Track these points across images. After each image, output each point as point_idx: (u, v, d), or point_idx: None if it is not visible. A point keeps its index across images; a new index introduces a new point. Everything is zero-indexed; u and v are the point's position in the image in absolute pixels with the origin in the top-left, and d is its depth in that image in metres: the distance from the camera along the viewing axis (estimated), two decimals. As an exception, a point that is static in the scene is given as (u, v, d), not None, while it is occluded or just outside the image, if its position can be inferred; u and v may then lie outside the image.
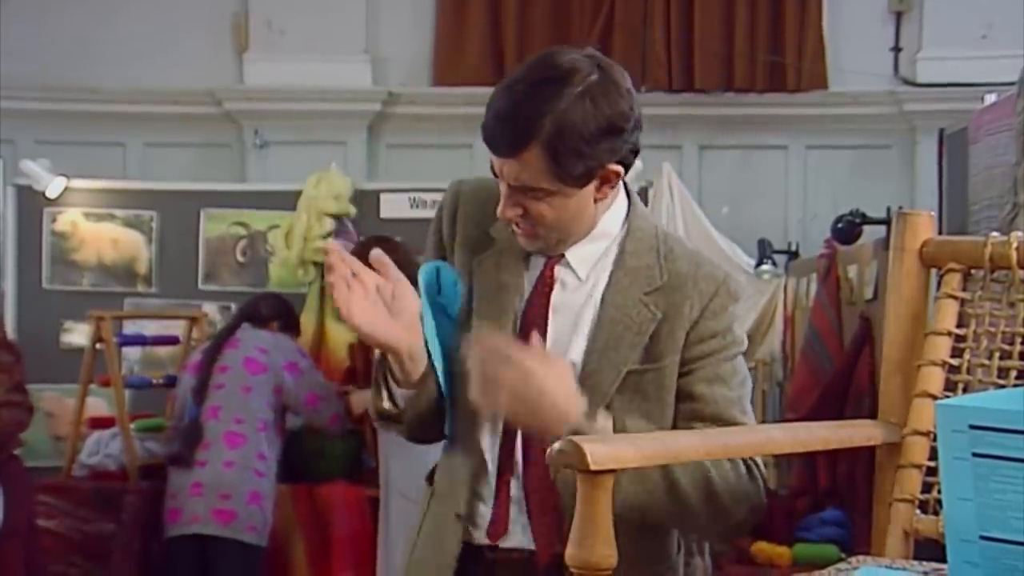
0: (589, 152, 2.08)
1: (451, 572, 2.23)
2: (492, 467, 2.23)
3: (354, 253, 2.16)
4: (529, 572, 2.21)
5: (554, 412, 2.00)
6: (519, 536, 2.22)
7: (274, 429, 5.28)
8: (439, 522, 2.28)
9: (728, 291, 2.22)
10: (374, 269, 2.13)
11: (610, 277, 2.21)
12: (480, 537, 2.24)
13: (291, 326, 5.56)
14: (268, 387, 5.23)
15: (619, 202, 2.26)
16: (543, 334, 2.19)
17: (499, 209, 2.17)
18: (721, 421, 2.16)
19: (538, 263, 2.26)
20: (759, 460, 2.18)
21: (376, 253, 2.13)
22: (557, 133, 2.05)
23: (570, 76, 2.07)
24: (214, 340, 5.39)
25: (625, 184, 2.27)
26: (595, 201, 2.18)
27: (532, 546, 2.20)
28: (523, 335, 2.16)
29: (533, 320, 2.21)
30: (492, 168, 2.17)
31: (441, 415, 2.23)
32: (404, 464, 4.51)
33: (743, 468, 2.14)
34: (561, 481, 2.11)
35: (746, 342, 2.26)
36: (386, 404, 2.23)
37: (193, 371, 5.29)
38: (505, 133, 2.09)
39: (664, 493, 2.08)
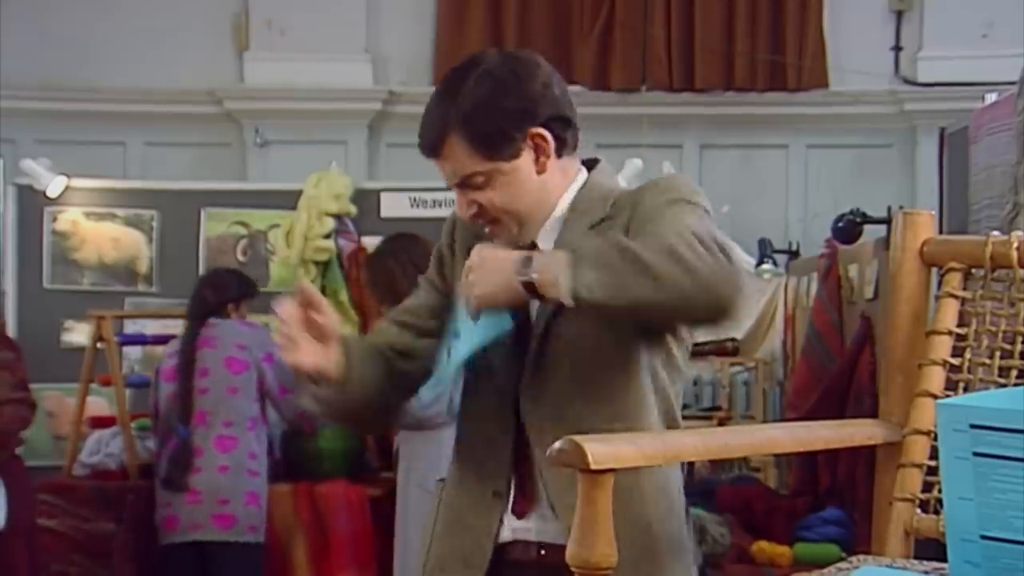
0: (503, 121, 2.19)
1: (490, 550, 2.26)
2: (508, 452, 2.25)
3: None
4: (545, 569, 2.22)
5: (503, 264, 2.07)
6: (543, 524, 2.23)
7: (260, 423, 5.25)
8: (464, 508, 2.30)
9: (657, 184, 2.24)
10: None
11: (561, 230, 2.25)
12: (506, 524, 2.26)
13: (245, 292, 5.41)
14: (251, 383, 5.18)
15: (577, 182, 2.30)
16: (528, 315, 2.23)
17: (458, 212, 2.28)
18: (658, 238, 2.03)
19: None
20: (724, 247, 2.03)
21: (303, 287, 2.27)
22: (465, 116, 2.18)
23: (470, 67, 2.23)
24: (183, 346, 5.22)
25: (588, 164, 2.33)
26: (539, 174, 2.23)
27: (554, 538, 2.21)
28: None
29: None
30: None
31: (374, 413, 2.39)
32: (423, 456, 4.48)
33: (701, 246, 1.98)
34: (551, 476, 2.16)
35: (701, 200, 2.17)
36: (306, 402, 2.35)
37: (169, 378, 5.20)
38: (425, 137, 2.24)
39: (627, 264, 1.95)
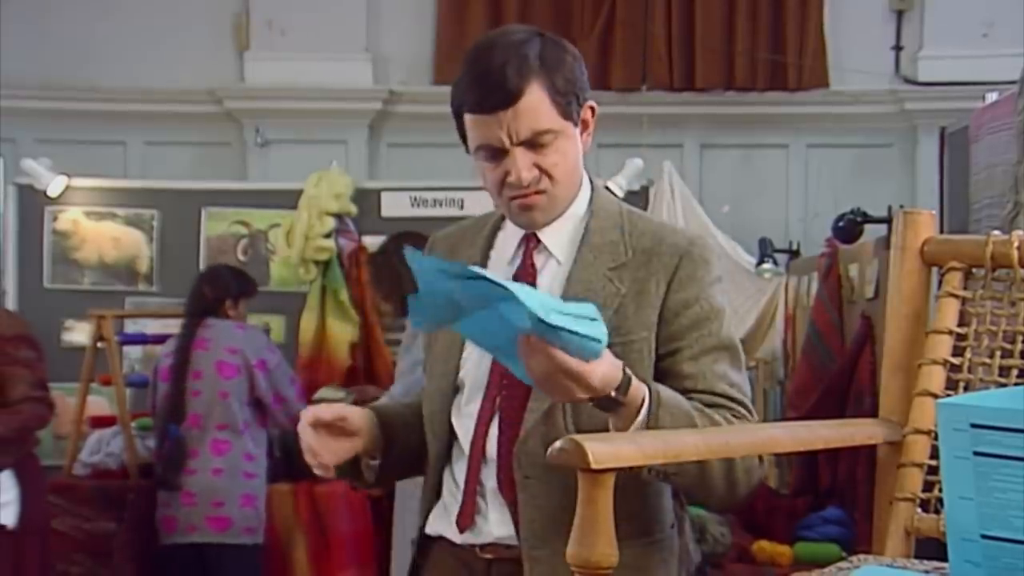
0: (573, 81, 2.17)
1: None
2: (463, 460, 2.24)
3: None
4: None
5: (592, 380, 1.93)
6: (493, 528, 2.21)
7: (256, 424, 5.25)
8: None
9: (693, 259, 2.18)
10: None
11: (576, 255, 2.22)
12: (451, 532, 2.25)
13: (244, 290, 5.43)
14: (243, 387, 5.19)
15: (584, 187, 2.28)
16: None
17: (513, 176, 2.15)
18: (711, 394, 2.14)
19: (510, 260, 2.27)
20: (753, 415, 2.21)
21: (319, 414, 2.20)
22: (546, 67, 2.13)
23: (529, 33, 2.18)
24: (179, 345, 5.25)
25: (588, 173, 2.30)
26: (583, 153, 2.24)
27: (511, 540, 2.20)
28: None
29: None
30: (482, 150, 2.17)
31: (414, 459, 2.33)
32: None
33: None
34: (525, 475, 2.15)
35: (726, 307, 2.21)
36: (358, 484, 2.37)
37: (164, 379, 5.24)
38: (501, 82, 2.10)
39: (693, 464, 2.04)
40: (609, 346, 1.94)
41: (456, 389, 2.25)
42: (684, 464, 2.01)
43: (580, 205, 2.26)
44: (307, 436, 2.18)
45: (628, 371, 1.98)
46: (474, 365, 2.24)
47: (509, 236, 2.30)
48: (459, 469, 2.24)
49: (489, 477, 2.20)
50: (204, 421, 5.14)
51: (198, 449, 5.13)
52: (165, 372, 5.24)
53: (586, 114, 2.22)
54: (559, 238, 2.24)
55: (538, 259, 2.25)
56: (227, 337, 5.23)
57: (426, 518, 2.30)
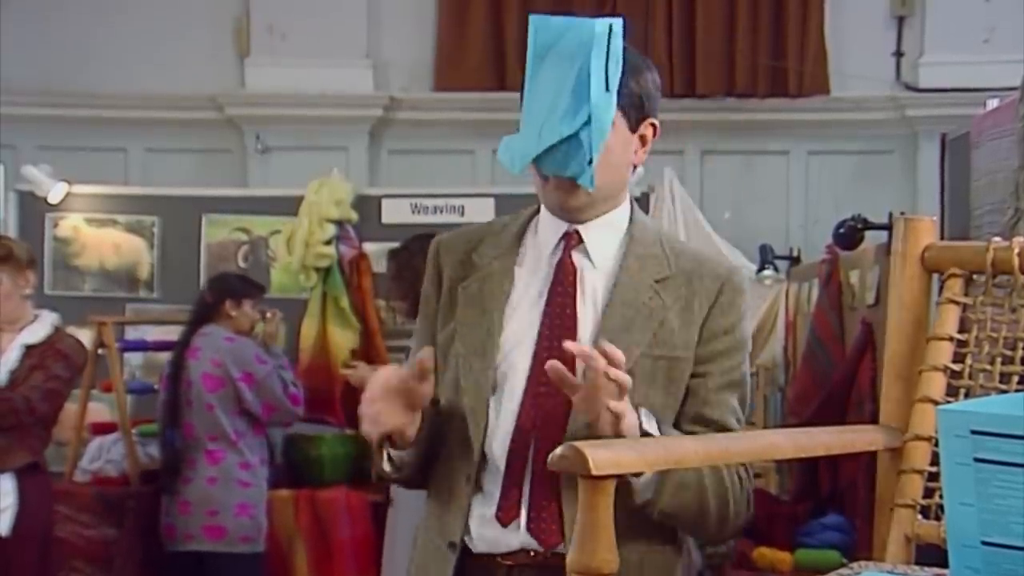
0: (644, 93, 2.20)
1: None
2: (501, 464, 2.21)
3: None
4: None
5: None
6: (521, 534, 2.21)
7: (252, 433, 5.25)
8: (429, 554, 2.30)
9: (733, 286, 2.25)
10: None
11: (622, 261, 2.24)
12: (486, 534, 2.22)
13: (247, 291, 5.42)
14: (229, 400, 5.18)
15: (626, 201, 2.31)
16: (573, 321, 2.21)
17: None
18: (722, 428, 2.21)
19: (548, 261, 2.26)
20: (750, 472, 2.26)
21: (425, 361, 2.10)
22: (623, 69, 2.13)
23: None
24: (175, 352, 5.26)
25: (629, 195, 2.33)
26: (634, 164, 2.26)
27: (536, 546, 2.20)
28: (554, 325, 2.20)
29: (562, 308, 2.22)
30: None
31: (426, 467, 2.29)
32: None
33: (739, 479, 2.21)
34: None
35: (750, 344, 2.29)
36: (387, 466, 2.28)
37: (163, 386, 5.27)
38: None
39: (695, 503, 2.14)
40: (655, 359, 2.14)
41: (494, 386, 2.23)
42: (685, 503, 2.12)
43: (622, 216, 2.29)
44: (376, 389, 2.11)
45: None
46: (511, 364, 2.22)
47: (547, 233, 2.29)
48: (493, 470, 2.22)
49: (526, 479, 2.19)
50: (196, 431, 5.17)
51: (194, 458, 5.15)
52: (164, 380, 5.27)
53: (647, 130, 2.25)
54: (600, 242, 2.26)
55: (577, 259, 2.25)
56: (213, 349, 5.22)
57: (464, 523, 2.23)
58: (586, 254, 2.26)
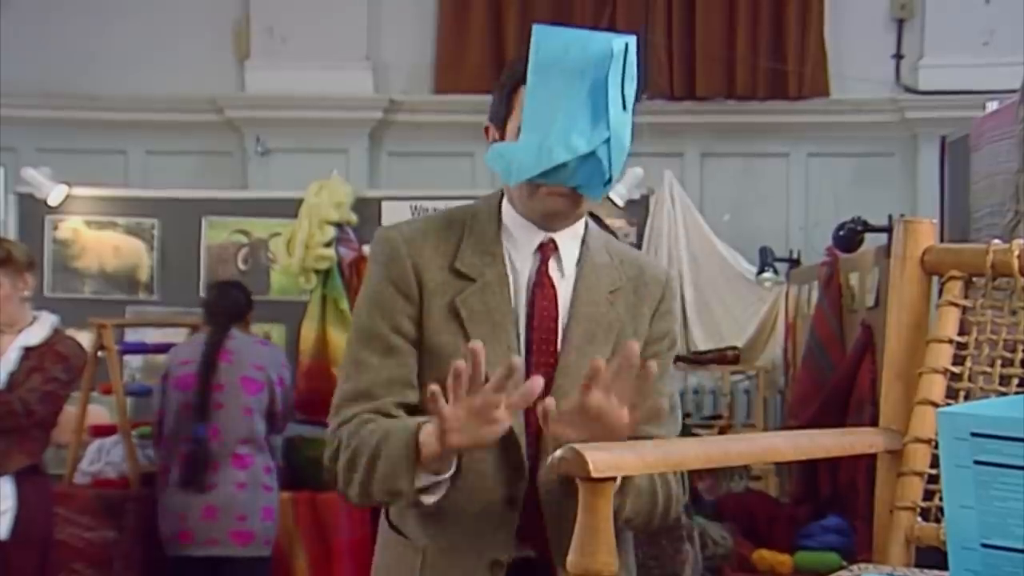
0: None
1: None
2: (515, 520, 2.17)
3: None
4: None
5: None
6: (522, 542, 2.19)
7: (271, 436, 5.28)
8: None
9: (672, 291, 2.32)
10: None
11: (578, 271, 2.22)
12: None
13: (251, 306, 5.44)
14: (264, 403, 5.18)
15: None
16: (555, 335, 2.18)
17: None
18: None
19: (527, 269, 2.22)
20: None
21: (514, 363, 1.94)
22: None
23: None
24: (205, 354, 5.14)
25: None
26: None
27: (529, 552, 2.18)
28: (540, 339, 2.18)
29: (545, 321, 2.19)
30: None
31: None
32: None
33: (680, 475, 2.23)
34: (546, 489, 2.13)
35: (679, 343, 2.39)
36: (403, 484, 2.07)
37: (183, 387, 5.14)
38: None
39: (650, 507, 2.15)
40: None
41: None
42: (641, 509, 2.13)
43: (582, 224, 2.26)
44: (466, 408, 1.94)
45: None
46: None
47: (523, 239, 2.22)
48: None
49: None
50: (225, 435, 5.08)
51: (219, 462, 5.07)
52: (183, 380, 5.16)
53: None
54: (568, 251, 2.23)
55: (552, 267, 2.21)
56: (252, 353, 5.21)
57: (515, 537, 2.17)
58: (559, 263, 2.22)
